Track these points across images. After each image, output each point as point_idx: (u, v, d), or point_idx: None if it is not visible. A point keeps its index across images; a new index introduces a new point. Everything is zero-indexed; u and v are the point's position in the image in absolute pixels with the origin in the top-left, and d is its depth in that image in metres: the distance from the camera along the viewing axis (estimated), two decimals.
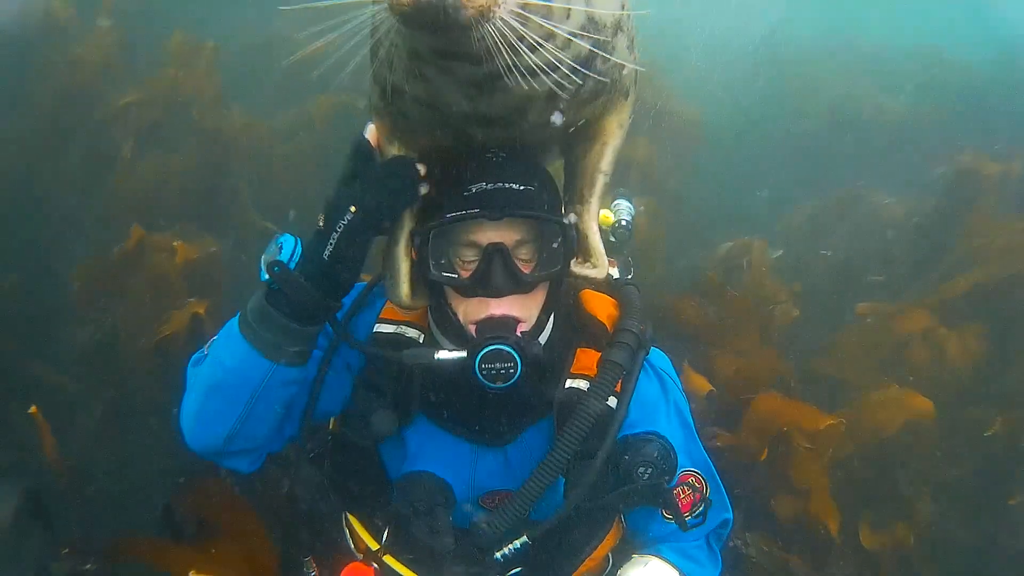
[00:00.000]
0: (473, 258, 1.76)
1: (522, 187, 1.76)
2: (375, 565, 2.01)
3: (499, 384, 1.71)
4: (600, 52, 1.63)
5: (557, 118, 1.69)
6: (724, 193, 6.11)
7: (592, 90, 1.74)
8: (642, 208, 4.69)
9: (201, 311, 3.62)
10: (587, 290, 2.12)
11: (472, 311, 1.78)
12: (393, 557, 2.02)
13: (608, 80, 1.76)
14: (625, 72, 1.84)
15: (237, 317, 1.79)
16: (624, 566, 2.06)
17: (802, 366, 4.10)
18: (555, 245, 1.81)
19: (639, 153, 5.77)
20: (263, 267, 1.73)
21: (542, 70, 1.50)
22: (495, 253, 1.72)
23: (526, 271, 1.77)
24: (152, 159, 4.45)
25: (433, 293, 1.87)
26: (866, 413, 3.75)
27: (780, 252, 5.62)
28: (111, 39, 5.11)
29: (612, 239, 2.51)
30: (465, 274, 1.77)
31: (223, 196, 4.42)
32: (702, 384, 3.59)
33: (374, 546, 2.06)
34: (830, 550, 3.34)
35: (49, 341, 3.89)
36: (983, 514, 3.80)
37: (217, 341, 1.84)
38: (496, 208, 1.71)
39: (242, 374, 1.74)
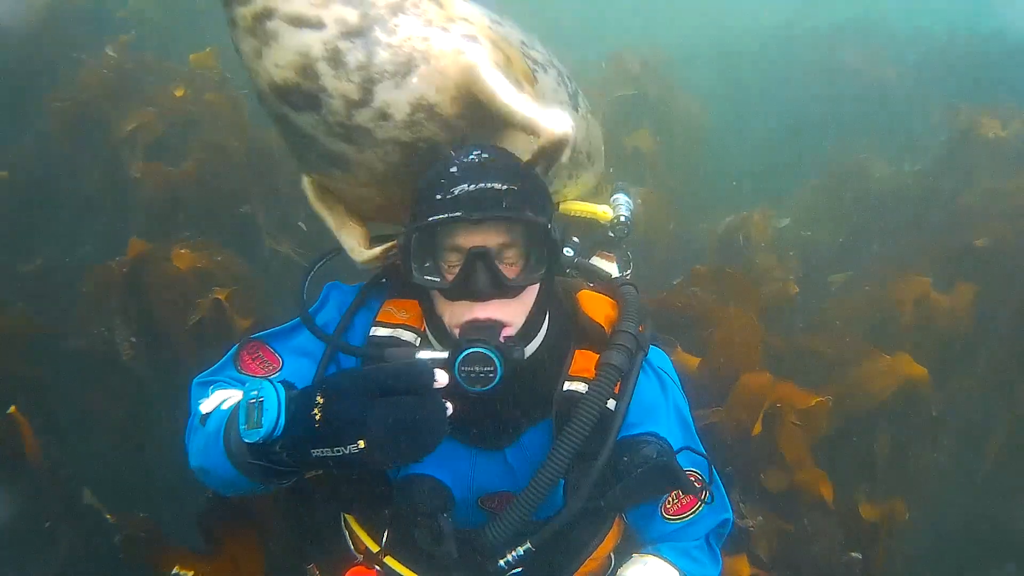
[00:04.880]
0: (457, 262, 1.73)
1: (504, 187, 1.70)
2: (377, 568, 2.00)
3: (478, 388, 1.67)
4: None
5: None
6: (724, 176, 6.21)
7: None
8: (639, 201, 4.84)
9: (223, 297, 3.68)
10: (585, 291, 2.09)
11: (456, 314, 1.76)
12: (394, 558, 2.02)
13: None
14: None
15: (225, 424, 1.68)
16: (624, 565, 2.07)
17: (795, 341, 4.12)
18: (540, 247, 1.78)
19: (644, 143, 5.88)
20: (243, 419, 1.57)
21: None
22: (477, 258, 1.69)
23: (511, 275, 1.74)
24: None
25: (423, 295, 1.88)
26: (858, 384, 3.78)
27: (787, 221, 5.63)
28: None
29: (611, 234, 2.50)
30: (449, 278, 1.74)
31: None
32: (692, 360, 3.57)
33: (374, 548, 2.05)
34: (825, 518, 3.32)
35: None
36: None
37: (209, 432, 1.75)
38: (477, 210, 1.67)
39: (234, 483, 1.72)
